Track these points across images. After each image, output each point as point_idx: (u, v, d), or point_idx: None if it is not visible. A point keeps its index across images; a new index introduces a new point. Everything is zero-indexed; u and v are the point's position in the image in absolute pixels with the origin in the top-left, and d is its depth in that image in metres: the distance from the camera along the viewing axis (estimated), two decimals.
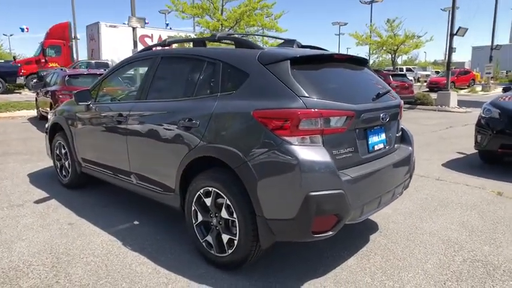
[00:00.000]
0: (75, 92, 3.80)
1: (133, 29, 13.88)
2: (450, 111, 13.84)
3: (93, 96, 3.84)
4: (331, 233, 2.28)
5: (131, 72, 4.10)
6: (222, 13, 15.46)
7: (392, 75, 14.89)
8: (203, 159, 2.63)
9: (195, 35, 16.50)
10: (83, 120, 3.94)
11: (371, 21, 35.15)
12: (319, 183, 2.16)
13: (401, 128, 3.16)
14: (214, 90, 2.64)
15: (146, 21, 14.02)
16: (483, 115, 5.61)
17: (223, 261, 2.57)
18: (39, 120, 10.66)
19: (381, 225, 3.42)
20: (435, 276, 2.57)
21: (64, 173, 4.48)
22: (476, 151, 6.03)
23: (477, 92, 23.34)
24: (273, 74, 2.37)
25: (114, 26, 24.33)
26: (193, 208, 2.73)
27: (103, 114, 3.67)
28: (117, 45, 23.33)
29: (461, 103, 15.11)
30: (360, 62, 3.02)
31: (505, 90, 6.64)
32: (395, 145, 2.99)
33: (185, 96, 2.89)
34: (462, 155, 6.52)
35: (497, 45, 25.26)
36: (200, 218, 2.69)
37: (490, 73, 23.96)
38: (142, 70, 4.03)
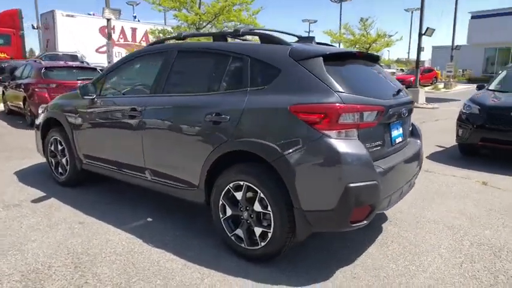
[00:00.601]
0: (81, 85, 3.65)
1: (108, 20, 13.36)
2: (419, 107, 14.50)
3: (97, 89, 3.71)
4: (365, 222, 2.39)
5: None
6: (199, 7, 15.22)
7: None
8: (231, 153, 2.64)
9: (172, 28, 16.09)
10: (86, 115, 3.79)
11: (340, 20, 36.01)
12: (357, 175, 2.25)
13: (411, 122, 3.33)
14: (243, 85, 2.65)
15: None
16: (464, 111, 5.99)
17: (256, 254, 2.60)
18: (7, 115, 10.07)
19: (389, 215, 3.59)
20: (451, 260, 2.76)
21: (61, 170, 4.29)
22: (454, 144, 6.45)
23: (440, 90, 24.61)
24: (307, 70, 2.43)
25: (72, 16, 23.21)
26: (220, 202, 2.74)
27: (111, 109, 3.55)
28: (75, 36, 22.30)
29: (427, 100, 15.90)
30: (374, 59, 3.15)
31: (479, 88, 7.10)
32: (408, 139, 3.15)
33: (209, 90, 2.88)
34: (442, 148, 6.91)
35: (457, 45, 26.72)
36: (229, 212, 2.71)
37: (451, 71, 25.33)
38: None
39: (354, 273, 2.56)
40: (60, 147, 4.23)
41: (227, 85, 2.78)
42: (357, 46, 21.53)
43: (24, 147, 6.35)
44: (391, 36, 21.66)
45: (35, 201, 3.85)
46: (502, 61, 32.49)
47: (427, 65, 44.74)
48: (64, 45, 22.07)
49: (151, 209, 3.65)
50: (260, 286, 2.38)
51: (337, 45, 22.81)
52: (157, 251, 2.82)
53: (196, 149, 2.81)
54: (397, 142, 2.79)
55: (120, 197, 3.98)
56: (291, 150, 2.32)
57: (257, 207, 2.54)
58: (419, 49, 15.96)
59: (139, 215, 3.50)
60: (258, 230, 2.56)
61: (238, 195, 2.63)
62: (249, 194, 2.58)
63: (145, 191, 3.90)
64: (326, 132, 2.25)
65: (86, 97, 3.61)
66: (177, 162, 3.03)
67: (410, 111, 3.03)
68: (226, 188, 2.68)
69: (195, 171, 2.86)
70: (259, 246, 2.57)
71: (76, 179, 4.21)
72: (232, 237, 2.71)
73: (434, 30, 16.56)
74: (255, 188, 2.51)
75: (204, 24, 15.37)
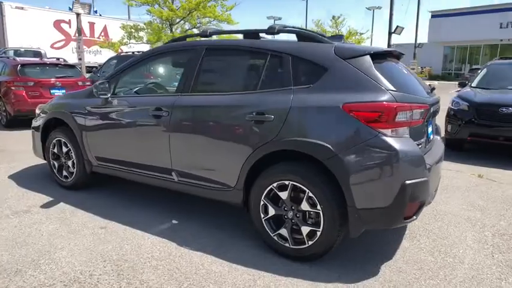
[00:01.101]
0: (96, 83, 3.45)
1: (77, 15, 12.72)
2: None
3: (111, 88, 3.53)
4: (414, 218, 2.46)
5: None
6: (173, 2, 14.89)
7: None
8: (273, 153, 2.62)
9: (144, 24, 15.61)
10: (100, 115, 3.60)
11: (306, 17, 36.59)
12: (412, 172, 2.32)
13: None
14: (285, 83, 2.64)
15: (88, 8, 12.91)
16: (452, 107, 6.30)
17: (302, 253, 2.60)
18: None
19: None
20: (482, 250, 2.91)
21: (65, 173, 4.05)
22: None
23: None
24: (356, 68, 2.46)
25: (21, 8, 21.83)
26: (262, 203, 2.71)
27: (130, 109, 3.40)
28: (26, 30, 21.00)
29: None
30: (398, 57, 3.22)
31: (461, 85, 7.49)
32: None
33: (246, 89, 2.83)
34: None
35: (420, 43, 28.03)
36: (272, 212, 2.68)
37: (414, 69, 26.56)
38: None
39: (398, 267, 2.63)
40: (65, 149, 4.00)
41: (267, 84, 2.74)
42: None
43: (7, 150, 5.94)
44: (362, 34, 22.35)
45: (44, 206, 3.62)
46: (460, 59, 34.45)
47: None
48: (14, 40, 20.63)
49: (172, 210, 3.54)
50: (316, 285, 2.39)
51: None
52: (197, 254, 2.75)
53: (235, 149, 2.76)
54: (430, 139, 2.90)
55: (133, 199, 3.83)
56: (345, 149, 2.34)
57: (305, 206, 2.54)
58: (389, 47, 16.56)
59: (161, 217, 3.39)
60: (305, 229, 2.56)
61: (283, 194, 2.62)
62: (296, 194, 2.58)
63: (159, 193, 3.82)
64: (382, 130, 2.29)
65: (102, 96, 3.42)
66: (210, 163, 2.96)
67: (439, 110, 3.15)
68: (269, 187, 2.65)
69: (232, 171, 2.81)
70: (306, 245, 2.58)
71: (83, 182, 4.00)
72: (275, 237, 2.70)
73: (403, 28, 17.30)
74: (302, 187, 2.51)
75: (178, 20, 15.07)
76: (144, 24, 15.30)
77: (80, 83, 8.20)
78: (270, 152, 2.61)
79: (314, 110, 2.48)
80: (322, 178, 2.46)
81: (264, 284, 2.40)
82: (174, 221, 3.33)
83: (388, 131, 2.30)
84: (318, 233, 2.51)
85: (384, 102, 2.31)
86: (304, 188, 2.51)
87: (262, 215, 2.73)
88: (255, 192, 2.73)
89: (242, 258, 2.69)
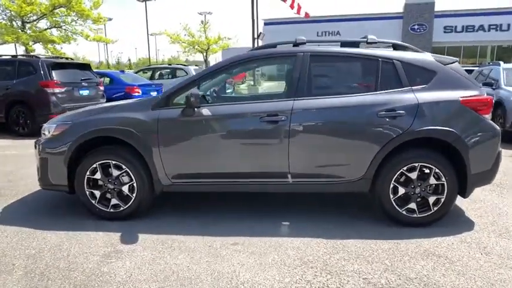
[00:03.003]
0: (191, 91, 3.08)
1: None
2: None
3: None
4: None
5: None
6: None
7: None
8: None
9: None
10: (185, 127, 3.25)
11: (146, 19, 35.54)
12: (500, 143, 3.31)
13: None
14: (403, 84, 3.22)
15: None
16: None
17: (427, 219, 3.24)
18: None
19: None
20: None
21: (116, 201, 3.38)
22: None
23: (254, 86, 28.69)
24: (455, 72, 3.27)
25: None
26: (392, 185, 3.22)
27: (228, 117, 3.25)
28: None
29: None
30: None
31: None
32: None
33: (368, 90, 3.26)
34: None
35: (257, 47, 31.49)
36: (401, 191, 3.22)
37: (259, 70, 29.82)
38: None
39: (479, 214, 3.57)
40: (116, 173, 3.35)
41: (384, 85, 3.23)
42: (196, 47, 22.40)
43: None
44: (230, 39, 23.80)
45: (127, 242, 3.06)
46: None
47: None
48: None
49: (258, 211, 3.64)
50: (454, 238, 3.09)
51: (176, 46, 22.75)
52: (353, 242, 3.01)
53: (366, 144, 3.16)
54: None
55: (205, 211, 3.63)
56: (466, 132, 3.13)
57: (432, 180, 3.20)
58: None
59: (262, 221, 3.42)
60: (432, 199, 3.23)
61: (412, 175, 3.20)
62: (421, 172, 3.20)
63: (216, 199, 3.94)
64: (486, 116, 3.20)
65: (202, 109, 3.14)
66: (336, 160, 3.23)
67: None
68: (399, 171, 3.19)
69: (362, 163, 3.20)
70: (431, 212, 3.24)
71: (146, 206, 3.46)
72: (404, 212, 3.25)
73: (264, 34, 19.39)
74: (430, 166, 3.16)
75: (35, 17, 12.63)
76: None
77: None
78: (404, 142, 3.14)
79: (437, 104, 3.17)
80: (444, 156, 3.18)
81: (430, 246, 2.94)
82: (284, 223, 3.41)
83: (488, 116, 3.23)
84: (442, 200, 3.22)
85: (487, 96, 3.22)
86: (432, 167, 3.17)
87: (391, 196, 3.24)
88: (384, 178, 3.20)
89: (390, 235, 3.12)
